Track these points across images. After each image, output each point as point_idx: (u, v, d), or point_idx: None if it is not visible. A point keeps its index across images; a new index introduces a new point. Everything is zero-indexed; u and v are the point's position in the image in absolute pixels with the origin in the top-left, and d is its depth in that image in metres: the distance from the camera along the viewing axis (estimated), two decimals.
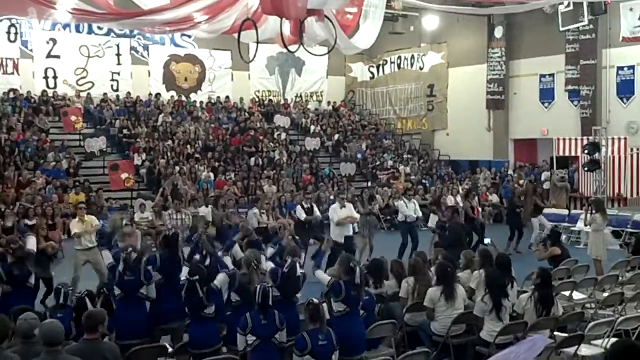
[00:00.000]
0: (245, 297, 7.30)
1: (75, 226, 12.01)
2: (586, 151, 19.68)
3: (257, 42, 10.61)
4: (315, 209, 15.08)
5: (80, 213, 12.25)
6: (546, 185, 21.51)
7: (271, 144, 25.80)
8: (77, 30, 25.78)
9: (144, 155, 22.33)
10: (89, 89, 26.24)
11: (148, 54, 27.69)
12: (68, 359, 5.26)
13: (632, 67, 22.79)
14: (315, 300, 6.68)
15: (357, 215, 14.06)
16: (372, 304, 7.90)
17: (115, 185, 20.57)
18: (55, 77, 25.74)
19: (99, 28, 25.66)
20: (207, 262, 8.08)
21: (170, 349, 7.18)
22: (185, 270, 7.61)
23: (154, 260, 8.24)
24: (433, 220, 14.86)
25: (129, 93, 26.72)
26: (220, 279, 7.47)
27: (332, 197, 21.20)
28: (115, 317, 7.50)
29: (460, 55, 28.22)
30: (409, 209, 15.10)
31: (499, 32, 26.72)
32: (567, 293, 9.33)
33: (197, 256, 8.23)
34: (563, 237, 15.08)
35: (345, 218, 13.38)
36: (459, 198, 18.42)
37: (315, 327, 6.44)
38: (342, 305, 7.23)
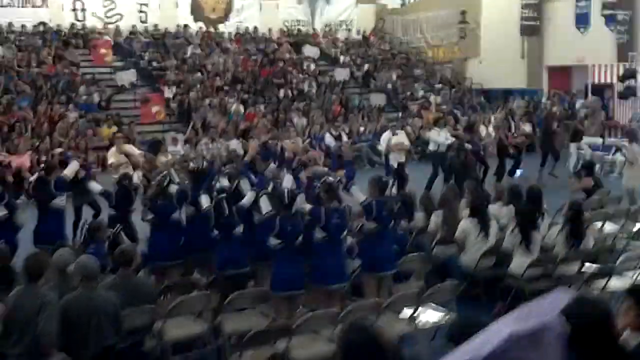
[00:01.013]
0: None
1: (112, 156, 12.07)
2: (622, 78, 19.18)
3: None
4: (344, 135, 15.10)
5: (119, 142, 12.30)
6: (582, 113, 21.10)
7: (300, 75, 25.55)
8: None
9: (174, 89, 22.31)
10: (118, 21, 26.04)
11: None
12: (103, 295, 5.39)
13: None
14: (330, 179, 6.86)
15: (409, 143, 14.23)
16: (406, 239, 7.96)
17: (146, 119, 20.65)
18: (83, 10, 25.57)
19: None
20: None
21: (203, 281, 7.35)
22: (205, 198, 7.69)
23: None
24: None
25: (156, 25, 26.51)
26: (249, 197, 7.53)
27: (362, 128, 21.18)
28: (149, 241, 7.69)
29: None
30: (441, 136, 14.96)
31: None
32: (599, 224, 9.26)
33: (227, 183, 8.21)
34: (597, 167, 14.84)
35: (396, 145, 13.54)
36: (491, 128, 18.23)
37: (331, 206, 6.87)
38: (373, 224, 7.27)
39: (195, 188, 8.06)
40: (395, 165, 13.47)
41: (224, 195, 7.56)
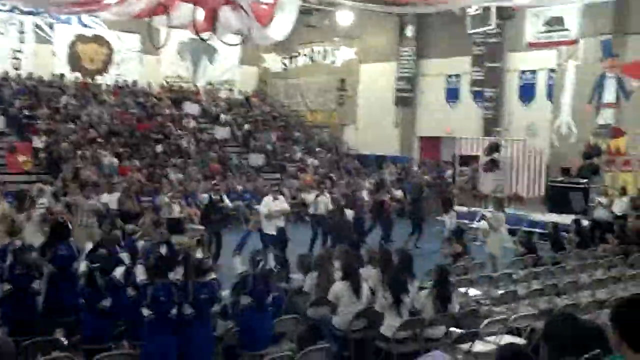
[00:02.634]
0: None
1: None
2: (487, 151, 20.39)
3: (169, 28, 10.43)
4: (226, 198, 14.99)
5: None
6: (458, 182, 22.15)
7: (179, 131, 25.34)
8: None
9: (44, 138, 21.44)
10: None
11: (53, 33, 26.63)
12: None
13: (534, 72, 23.73)
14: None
15: (289, 208, 14.23)
16: (282, 301, 7.94)
17: (13, 168, 19.70)
18: None
19: (3, 4, 24.35)
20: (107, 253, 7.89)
21: (65, 342, 6.96)
22: (84, 263, 7.41)
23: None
24: (349, 215, 15.06)
25: (31, 73, 25.61)
26: (120, 271, 7.29)
27: (240, 188, 21.19)
28: (5, 313, 7.21)
29: (372, 51, 28.64)
30: (320, 202, 15.19)
31: (409, 31, 27.25)
32: (463, 290, 9.64)
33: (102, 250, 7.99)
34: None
35: (278, 211, 13.49)
36: (364, 193, 18.76)
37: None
38: (249, 298, 7.23)
39: (55, 243, 7.79)
40: (274, 232, 13.38)
41: (97, 265, 7.23)
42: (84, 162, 20.22)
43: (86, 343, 7.04)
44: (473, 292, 9.78)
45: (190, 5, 9.92)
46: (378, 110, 28.20)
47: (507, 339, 7.37)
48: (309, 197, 15.71)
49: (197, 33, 10.88)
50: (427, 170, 24.67)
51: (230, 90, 31.28)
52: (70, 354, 6.38)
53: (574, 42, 20.87)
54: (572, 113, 21.14)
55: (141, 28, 22.38)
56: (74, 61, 27.20)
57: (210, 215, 14.19)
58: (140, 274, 6.74)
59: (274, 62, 32.84)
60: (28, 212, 11.68)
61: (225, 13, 10.57)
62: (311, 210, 15.50)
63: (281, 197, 14.27)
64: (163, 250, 7.53)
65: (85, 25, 27.22)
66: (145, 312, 6.44)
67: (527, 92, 23.96)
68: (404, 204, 21.69)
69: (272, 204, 13.59)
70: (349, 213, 15.48)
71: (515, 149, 21.14)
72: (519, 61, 23.95)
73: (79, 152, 20.87)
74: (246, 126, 27.74)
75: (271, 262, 7.70)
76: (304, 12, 24.85)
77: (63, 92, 25.12)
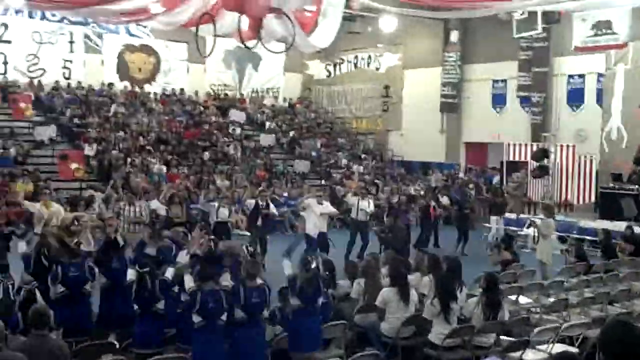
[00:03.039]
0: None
1: (38, 212, 11.75)
2: (535, 157, 20.10)
3: (215, 37, 10.55)
4: (271, 204, 15.05)
5: (45, 198, 11.99)
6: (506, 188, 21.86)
7: (225, 138, 25.63)
8: (30, 16, 25.08)
9: (94, 146, 21.91)
10: (40, 75, 25.66)
11: (102, 43, 27.21)
12: (11, 356, 5.12)
13: (582, 76, 23.36)
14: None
15: (336, 210, 14.34)
16: (330, 308, 7.95)
17: (64, 175, 20.15)
18: (5, 63, 25.13)
19: (53, 15, 25.03)
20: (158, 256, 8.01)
21: (117, 346, 7.08)
22: (131, 272, 7.53)
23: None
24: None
25: (80, 82, 26.20)
26: (171, 272, 7.36)
27: (285, 194, 21.28)
28: (60, 315, 7.35)
29: (416, 57, 28.51)
30: (362, 206, 15.17)
31: (454, 36, 27.09)
32: (513, 297, 9.51)
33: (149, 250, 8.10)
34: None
35: (325, 213, 13.71)
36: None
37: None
38: (297, 301, 7.26)
39: (108, 258, 7.94)
40: (316, 235, 13.45)
41: (147, 269, 7.35)
42: (134, 169, 20.59)
43: (137, 347, 7.14)
44: (523, 299, 9.65)
45: (236, 14, 10.01)
46: (423, 116, 28.05)
47: (559, 347, 7.24)
48: (351, 201, 15.63)
49: (242, 41, 10.98)
50: (473, 176, 24.41)
51: (275, 97, 31.51)
52: (122, 357, 6.50)
53: (623, 45, 20.40)
54: (622, 118, 20.65)
55: (187, 37, 22.66)
56: (123, 70, 27.74)
57: (256, 221, 14.27)
58: (189, 281, 6.78)
59: (318, 69, 32.98)
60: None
61: (270, 21, 10.64)
62: (352, 215, 15.43)
63: (326, 202, 14.32)
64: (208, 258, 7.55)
65: (133, 35, 27.74)
66: (196, 318, 6.50)
67: (575, 97, 23.57)
68: (450, 211, 21.51)
69: (317, 207, 13.68)
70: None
71: (565, 155, 20.78)
72: (566, 66, 23.61)
73: (129, 160, 21.26)
74: (291, 133, 27.91)
75: (320, 266, 7.71)
76: (348, 18, 24.94)
77: (112, 100, 25.65)
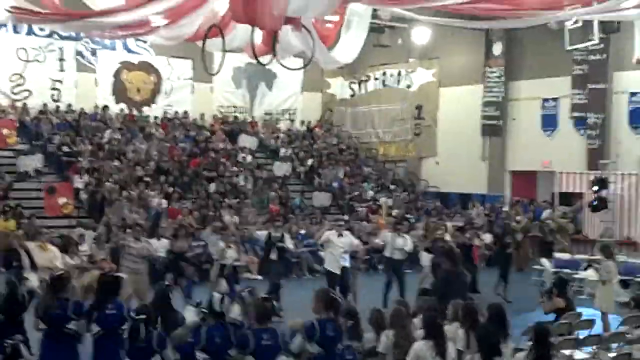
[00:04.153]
0: None
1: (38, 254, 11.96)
2: (593, 188, 19.96)
3: (224, 52, 10.67)
4: (287, 238, 15.05)
5: (42, 239, 12.18)
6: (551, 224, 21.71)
7: (235, 167, 25.76)
8: (15, 31, 25.52)
9: (86, 177, 22.12)
10: (26, 98, 25.99)
11: (96, 60, 27.56)
12: None
13: None
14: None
15: (359, 243, 14.35)
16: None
17: (51, 212, 20.34)
18: None
19: (41, 29, 25.40)
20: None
21: None
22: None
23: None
24: (426, 259, 14.90)
25: (70, 105, 26.54)
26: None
27: (302, 231, 21.28)
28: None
29: (454, 73, 28.57)
30: (398, 243, 15.07)
31: (497, 49, 27.13)
32: (568, 352, 9.39)
33: None
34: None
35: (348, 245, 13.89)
36: (448, 237, 18.57)
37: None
38: (317, 348, 7.25)
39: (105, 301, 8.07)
40: (337, 271, 13.46)
41: (143, 317, 7.40)
42: (130, 204, 20.73)
43: None
44: (579, 355, 9.53)
45: (248, 27, 10.11)
46: (461, 141, 28.00)
47: None
48: (384, 236, 15.56)
49: (254, 57, 11.07)
50: (520, 210, 24.22)
51: (292, 120, 31.68)
52: None
53: None
54: None
55: (193, 53, 23.00)
56: (119, 91, 28.05)
57: (269, 256, 14.26)
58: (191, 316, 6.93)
59: (340, 87, 33.13)
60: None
61: (286, 34, 10.74)
62: (387, 253, 15.31)
63: (347, 233, 14.31)
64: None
65: (131, 51, 28.11)
66: (200, 356, 6.57)
67: (638, 118, 23.41)
68: (494, 250, 21.37)
69: (337, 240, 13.67)
70: (427, 257, 15.31)
71: (627, 185, 20.66)
72: (627, 81, 23.51)
73: (125, 193, 21.41)
74: (309, 161, 27.98)
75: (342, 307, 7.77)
76: (375, 30, 25.09)
77: (107, 126, 25.93)
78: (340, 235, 13.90)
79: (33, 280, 9.24)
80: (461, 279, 13.19)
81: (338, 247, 13.70)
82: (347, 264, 13.83)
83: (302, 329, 7.43)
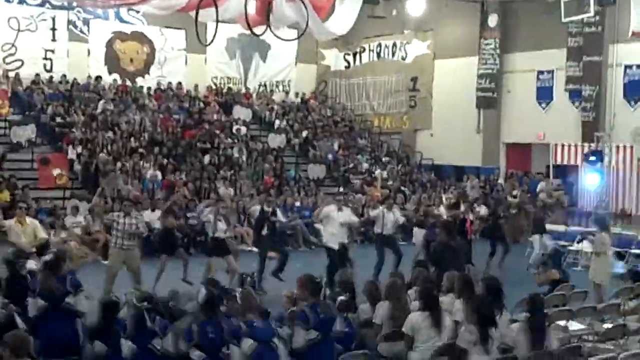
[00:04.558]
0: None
1: (12, 230, 11.93)
2: (587, 160, 20.00)
3: (217, 22, 10.60)
4: (279, 212, 15.01)
5: (20, 214, 12.13)
6: (542, 197, 21.76)
7: (229, 139, 25.69)
8: (6, 0, 25.36)
9: (79, 148, 22.03)
10: (18, 68, 25.82)
11: (88, 30, 27.37)
12: None
13: None
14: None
15: (357, 219, 14.29)
16: (351, 337, 7.95)
17: (45, 183, 20.28)
18: None
19: None
20: None
21: None
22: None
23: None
24: (418, 235, 14.89)
25: (64, 75, 26.40)
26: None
27: (297, 204, 21.31)
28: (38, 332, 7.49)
29: (449, 45, 28.48)
30: (387, 219, 15.07)
31: (493, 20, 27.01)
32: (562, 323, 9.45)
33: None
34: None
35: (346, 222, 13.70)
36: (442, 209, 18.61)
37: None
38: (314, 333, 7.27)
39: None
40: (336, 246, 13.44)
41: (144, 304, 7.36)
42: (124, 175, 20.69)
43: None
44: (574, 326, 9.59)
45: None
46: (456, 113, 27.97)
47: None
48: (375, 212, 15.46)
49: (248, 27, 11.00)
50: (516, 184, 24.25)
51: (286, 92, 31.58)
52: None
53: None
54: None
55: (186, 23, 22.85)
56: (112, 62, 27.91)
57: (261, 231, 14.23)
58: None
59: (335, 59, 33.02)
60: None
61: (280, 4, 10.69)
62: (377, 229, 15.24)
63: (347, 209, 14.27)
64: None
65: (124, 21, 27.93)
66: (195, 354, 6.57)
67: (633, 90, 23.38)
68: (488, 223, 21.41)
69: (336, 215, 13.63)
70: (420, 232, 15.37)
71: (621, 157, 20.69)
72: (622, 54, 23.42)
73: (119, 164, 21.36)
74: (304, 133, 27.93)
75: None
76: (369, 1, 24.92)
77: (100, 96, 25.79)
78: (339, 209, 13.83)
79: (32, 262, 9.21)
80: (457, 250, 13.25)
81: (337, 222, 13.64)
82: (345, 239, 13.78)
83: (297, 320, 7.45)
